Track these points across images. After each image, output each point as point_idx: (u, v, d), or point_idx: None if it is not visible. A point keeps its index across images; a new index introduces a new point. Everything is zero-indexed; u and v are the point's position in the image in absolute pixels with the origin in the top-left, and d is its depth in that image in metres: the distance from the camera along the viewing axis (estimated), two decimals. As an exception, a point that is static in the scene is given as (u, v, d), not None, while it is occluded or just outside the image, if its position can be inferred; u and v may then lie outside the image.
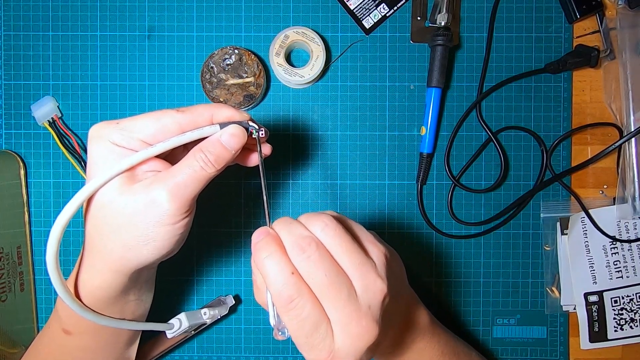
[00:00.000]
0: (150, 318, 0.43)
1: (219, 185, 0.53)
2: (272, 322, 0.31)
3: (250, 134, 0.35)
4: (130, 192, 0.32)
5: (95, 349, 0.39)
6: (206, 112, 0.33)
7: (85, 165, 0.52)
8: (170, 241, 0.33)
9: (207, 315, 0.49)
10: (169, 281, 0.53)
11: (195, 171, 0.32)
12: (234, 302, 0.53)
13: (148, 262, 0.34)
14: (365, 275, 0.29)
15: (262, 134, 0.35)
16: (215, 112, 0.34)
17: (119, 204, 0.32)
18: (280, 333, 0.31)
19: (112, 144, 0.32)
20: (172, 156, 0.37)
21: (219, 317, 0.51)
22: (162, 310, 0.53)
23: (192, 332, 0.50)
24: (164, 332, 0.49)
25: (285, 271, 0.28)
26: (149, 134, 0.32)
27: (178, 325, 0.45)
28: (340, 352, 0.28)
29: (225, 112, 0.34)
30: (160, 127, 0.32)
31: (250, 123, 0.35)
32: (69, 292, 0.34)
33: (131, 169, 0.32)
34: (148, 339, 0.51)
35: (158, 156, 0.33)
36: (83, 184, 0.52)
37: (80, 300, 0.36)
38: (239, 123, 0.34)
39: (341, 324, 0.28)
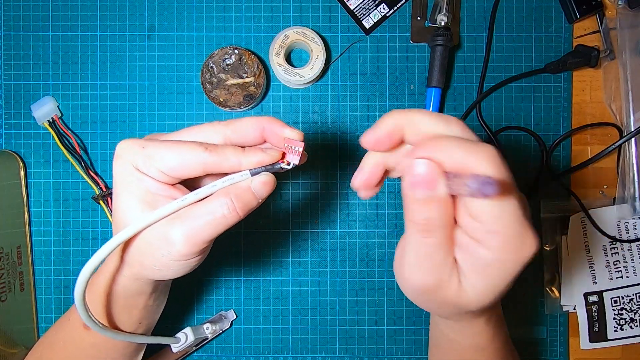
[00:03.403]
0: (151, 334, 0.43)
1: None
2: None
3: (280, 169, 0.33)
4: None
5: (107, 350, 0.40)
6: (234, 157, 0.31)
7: (84, 165, 0.52)
8: (180, 271, 0.34)
9: (209, 329, 0.50)
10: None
11: (217, 218, 0.31)
12: (235, 316, 0.53)
13: (163, 280, 0.35)
14: None
15: (295, 164, 0.32)
16: (243, 158, 0.32)
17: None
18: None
19: (133, 167, 0.31)
20: (193, 180, 0.36)
21: (221, 331, 0.52)
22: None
23: (194, 348, 0.51)
24: (166, 348, 0.50)
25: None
26: (169, 167, 0.31)
27: (184, 339, 0.47)
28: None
29: (256, 157, 0.32)
30: (182, 163, 0.31)
31: (283, 165, 0.32)
32: (95, 320, 0.35)
33: (159, 220, 0.31)
34: (149, 355, 0.51)
35: (181, 181, 0.33)
36: (83, 184, 0.52)
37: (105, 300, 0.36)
38: (271, 167, 0.32)
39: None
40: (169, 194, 0.32)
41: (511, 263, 0.26)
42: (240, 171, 0.32)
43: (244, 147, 0.32)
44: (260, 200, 0.32)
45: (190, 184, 0.35)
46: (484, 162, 0.25)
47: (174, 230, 0.31)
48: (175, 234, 0.31)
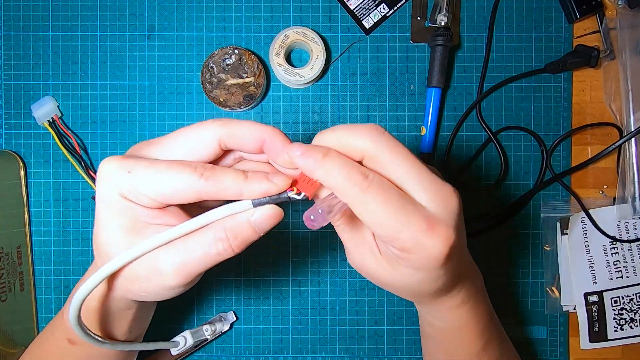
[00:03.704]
0: (150, 334, 0.43)
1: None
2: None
3: (288, 199, 0.28)
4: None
5: (99, 359, 0.39)
6: (234, 185, 0.27)
7: (84, 165, 0.52)
8: (168, 296, 0.32)
9: (208, 331, 0.51)
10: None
11: (210, 255, 0.28)
12: (235, 318, 0.53)
13: (147, 301, 0.34)
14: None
15: (306, 197, 0.29)
16: (245, 186, 0.28)
17: None
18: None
19: (118, 194, 0.28)
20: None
21: (220, 333, 0.52)
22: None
23: (193, 349, 0.51)
24: (164, 351, 0.50)
25: (349, 160, 0.27)
26: (160, 194, 0.28)
27: (183, 342, 0.47)
28: (437, 216, 0.27)
29: (260, 187, 0.28)
30: (174, 190, 0.28)
31: (292, 194, 0.28)
32: (91, 335, 0.33)
33: (148, 252, 0.29)
34: (147, 356, 0.51)
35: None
36: (83, 184, 0.52)
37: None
38: (277, 197, 0.28)
39: (425, 190, 0.27)
40: (160, 221, 0.30)
41: (419, 260, 0.28)
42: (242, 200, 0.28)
43: (247, 172, 0.29)
44: (262, 235, 0.29)
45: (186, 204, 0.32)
46: (364, 137, 0.28)
47: (164, 262, 0.29)
48: (166, 266, 0.29)
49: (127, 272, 0.30)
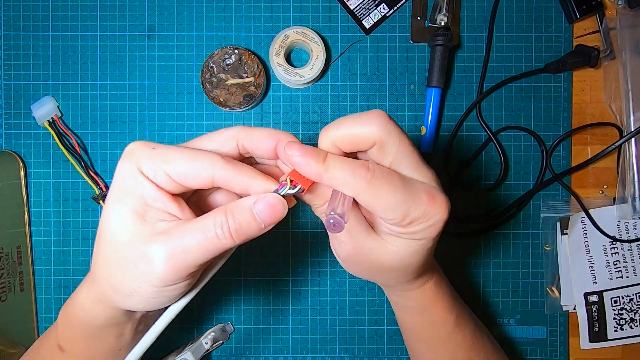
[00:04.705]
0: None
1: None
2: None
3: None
4: (133, 234, 0.28)
5: None
6: (251, 175, 0.29)
7: (84, 165, 0.52)
8: (156, 301, 0.29)
9: (208, 344, 0.50)
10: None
11: (208, 238, 0.27)
12: (233, 329, 0.53)
13: (135, 310, 0.31)
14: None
15: (299, 188, 0.29)
16: (255, 181, 0.29)
17: (117, 242, 0.28)
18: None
19: (137, 169, 0.28)
20: (201, 196, 0.33)
21: (220, 343, 0.52)
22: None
23: None
24: None
25: (346, 157, 0.28)
26: (179, 172, 0.28)
27: None
28: (433, 188, 0.29)
29: (267, 184, 0.29)
30: (193, 168, 0.28)
31: (286, 190, 0.28)
32: None
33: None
34: None
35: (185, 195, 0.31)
36: (83, 184, 0.52)
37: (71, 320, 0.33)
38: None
39: (419, 169, 0.30)
40: (166, 208, 0.29)
41: (424, 230, 0.30)
42: (248, 195, 0.29)
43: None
44: (263, 227, 0.28)
45: (195, 201, 0.32)
46: (373, 125, 0.28)
47: (155, 248, 0.27)
48: (157, 251, 0.27)
49: (110, 254, 0.29)
